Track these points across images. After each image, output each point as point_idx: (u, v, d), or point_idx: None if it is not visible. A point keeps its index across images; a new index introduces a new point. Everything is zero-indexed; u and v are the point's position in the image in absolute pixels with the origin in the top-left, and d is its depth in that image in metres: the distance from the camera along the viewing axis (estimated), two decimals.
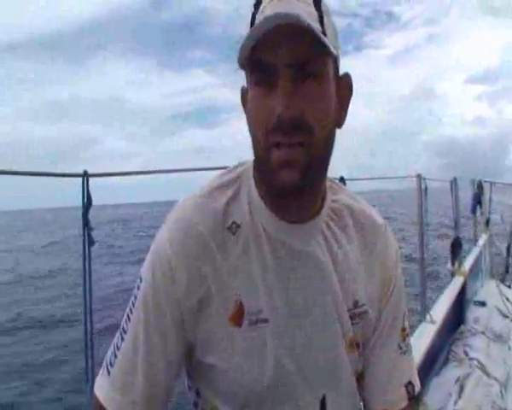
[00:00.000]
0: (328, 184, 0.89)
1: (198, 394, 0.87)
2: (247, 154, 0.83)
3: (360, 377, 0.92)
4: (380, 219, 0.95)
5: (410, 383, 0.93)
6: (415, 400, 0.93)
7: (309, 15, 0.72)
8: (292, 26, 0.68)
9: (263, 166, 0.78)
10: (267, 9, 0.74)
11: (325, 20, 0.75)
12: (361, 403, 0.93)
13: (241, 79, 0.83)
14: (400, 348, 0.92)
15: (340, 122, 0.82)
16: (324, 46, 0.70)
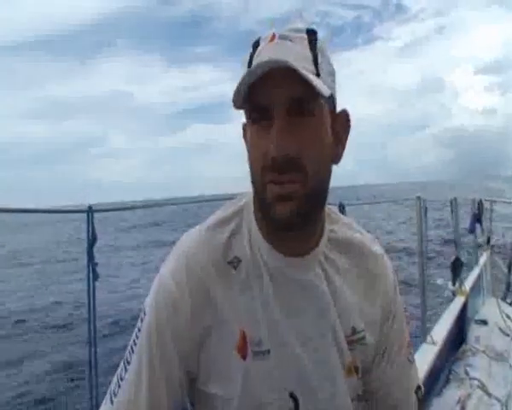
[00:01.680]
0: (326, 212, 0.91)
1: None
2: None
3: (369, 397, 0.99)
4: (377, 248, 0.99)
5: (418, 387, 1.01)
6: (422, 401, 1.02)
7: (302, 58, 0.76)
8: (285, 68, 0.71)
9: (260, 201, 0.81)
10: (262, 53, 0.78)
11: (320, 60, 0.78)
12: None
13: None
14: (409, 360, 1.01)
15: (335, 158, 0.85)
16: (314, 88, 0.73)
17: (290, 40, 0.78)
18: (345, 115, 0.87)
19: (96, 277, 2.09)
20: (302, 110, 0.76)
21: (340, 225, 0.96)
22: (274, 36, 0.79)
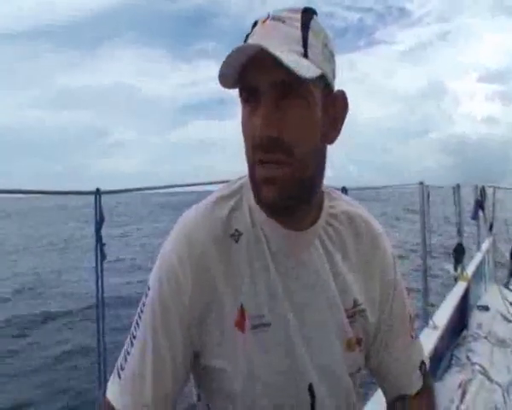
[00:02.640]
0: (325, 191, 0.93)
1: (208, 406, 0.92)
2: None
3: (374, 372, 1.01)
4: (377, 225, 1.00)
5: (422, 362, 1.03)
6: (427, 375, 1.03)
7: (289, 40, 0.76)
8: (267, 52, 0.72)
9: (251, 181, 0.82)
10: (254, 34, 0.80)
11: (310, 40, 0.77)
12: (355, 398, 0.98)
13: None
14: (411, 336, 1.01)
15: (330, 139, 0.85)
16: (295, 73, 0.71)
17: (282, 21, 0.78)
18: (341, 96, 0.86)
19: (103, 257, 2.11)
20: (287, 92, 0.77)
21: (339, 201, 0.97)
22: (267, 17, 0.80)
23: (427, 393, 1.04)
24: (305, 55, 0.76)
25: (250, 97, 0.79)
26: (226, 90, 0.80)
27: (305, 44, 0.77)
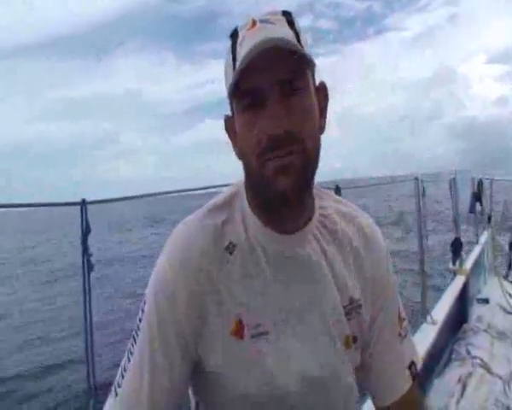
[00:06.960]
0: (314, 191, 0.93)
1: None
2: None
3: (363, 372, 0.99)
4: (368, 221, 1.00)
5: (412, 363, 1.00)
6: (417, 376, 1.01)
7: (289, 37, 0.77)
8: (273, 48, 0.73)
9: (258, 179, 0.81)
10: (247, 39, 0.78)
11: (301, 37, 0.80)
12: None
13: None
14: (400, 334, 1.00)
15: (322, 128, 0.86)
16: (308, 62, 0.77)
17: (271, 23, 0.79)
18: (323, 87, 0.88)
19: (90, 267, 2.11)
20: (294, 86, 0.78)
21: (329, 201, 0.97)
22: (255, 22, 0.80)
23: (414, 399, 1.01)
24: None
25: (252, 102, 0.78)
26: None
27: (298, 40, 0.79)
